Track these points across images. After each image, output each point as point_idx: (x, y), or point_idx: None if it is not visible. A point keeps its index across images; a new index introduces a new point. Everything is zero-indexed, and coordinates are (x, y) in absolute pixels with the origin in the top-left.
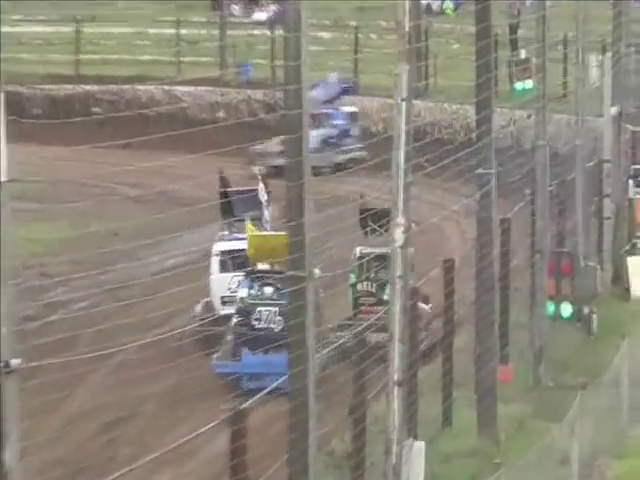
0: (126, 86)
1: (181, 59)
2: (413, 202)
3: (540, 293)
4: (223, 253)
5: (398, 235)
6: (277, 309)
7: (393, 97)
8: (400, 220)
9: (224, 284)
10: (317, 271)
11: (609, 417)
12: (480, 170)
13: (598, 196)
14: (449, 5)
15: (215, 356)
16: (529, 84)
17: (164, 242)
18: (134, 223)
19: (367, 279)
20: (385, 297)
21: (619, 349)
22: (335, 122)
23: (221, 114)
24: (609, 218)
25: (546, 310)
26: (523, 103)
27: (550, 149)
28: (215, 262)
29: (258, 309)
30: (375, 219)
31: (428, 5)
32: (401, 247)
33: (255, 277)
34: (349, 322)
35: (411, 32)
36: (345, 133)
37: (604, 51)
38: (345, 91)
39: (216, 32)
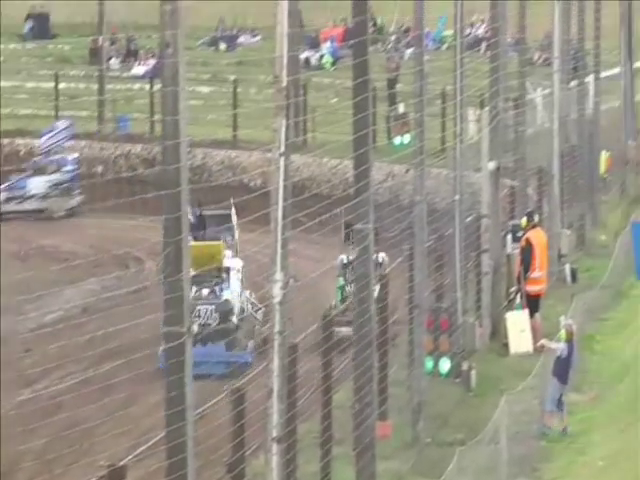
0: (5, 140)
1: (60, 113)
2: (292, 258)
3: (418, 349)
4: None
5: (276, 291)
6: (214, 307)
7: (272, 152)
8: (278, 276)
9: None
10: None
11: (487, 473)
12: (358, 225)
13: (476, 251)
14: (328, 59)
15: (160, 349)
16: (407, 138)
17: (42, 297)
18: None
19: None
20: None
21: (498, 405)
22: (65, 168)
23: (99, 168)
24: (487, 273)
25: (424, 366)
26: (401, 158)
27: (428, 204)
28: None
29: (197, 307)
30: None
31: (307, 59)
32: (280, 303)
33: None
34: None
35: (289, 86)
36: (75, 178)
37: (482, 106)
38: (72, 137)
39: (95, 86)
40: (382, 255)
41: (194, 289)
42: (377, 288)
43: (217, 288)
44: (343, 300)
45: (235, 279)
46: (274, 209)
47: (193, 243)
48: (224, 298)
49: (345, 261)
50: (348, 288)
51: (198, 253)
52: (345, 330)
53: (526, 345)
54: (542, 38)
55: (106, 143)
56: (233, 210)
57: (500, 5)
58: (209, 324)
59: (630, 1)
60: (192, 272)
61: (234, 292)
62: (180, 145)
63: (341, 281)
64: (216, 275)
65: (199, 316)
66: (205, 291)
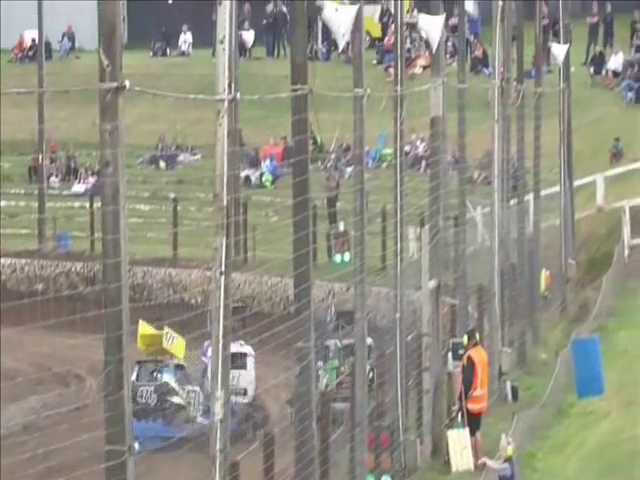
0: None
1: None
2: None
3: (360, 467)
4: None
5: (217, 409)
6: (152, 388)
7: (212, 270)
8: (219, 394)
9: None
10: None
11: None
12: (299, 344)
13: (417, 369)
14: (268, 177)
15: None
16: (347, 257)
17: None
18: None
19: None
20: None
21: None
22: None
23: (40, 286)
24: (428, 391)
25: None
26: (342, 276)
27: (369, 322)
28: None
29: (140, 388)
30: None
31: (247, 177)
32: (221, 421)
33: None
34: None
35: (229, 205)
36: None
37: (422, 224)
38: None
39: (35, 204)
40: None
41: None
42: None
43: (157, 372)
44: (337, 378)
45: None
46: (215, 327)
47: (146, 332)
48: (163, 380)
49: (339, 345)
50: (342, 369)
51: (150, 342)
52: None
53: (467, 463)
54: (482, 156)
55: (46, 261)
56: None
57: (440, 124)
58: (149, 403)
59: (569, 120)
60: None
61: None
62: (121, 263)
63: (335, 363)
64: (157, 360)
65: (141, 396)
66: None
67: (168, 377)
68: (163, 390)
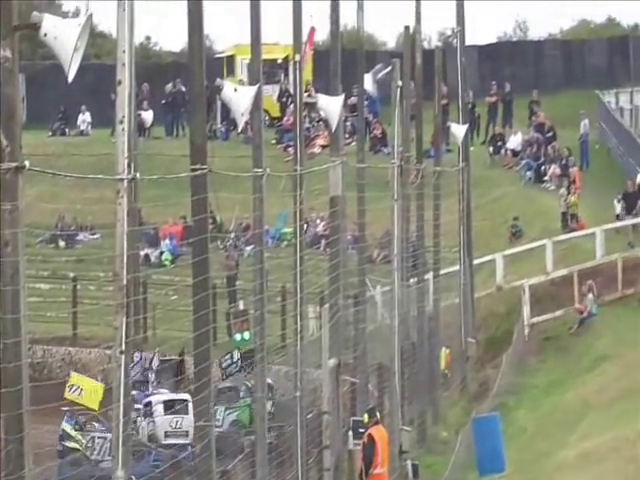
0: None
1: None
2: None
3: None
4: None
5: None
6: None
7: (112, 349)
8: (119, 474)
9: None
10: None
11: None
12: (200, 423)
13: (318, 447)
14: (167, 256)
15: None
16: (247, 335)
17: None
18: None
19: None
20: None
21: None
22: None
23: None
24: (329, 470)
25: None
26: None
27: (270, 400)
28: None
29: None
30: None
31: (146, 256)
32: None
33: None
34: None
35: (129, 284)
36: None
37: (322, 303)
38: None
39: None
40: None
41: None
42: None
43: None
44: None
45: None
46: (116, 406)
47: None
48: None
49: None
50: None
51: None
52: None
53: None
54: (381, 235)
55: None
56: None
57: (339, 203)
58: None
59: (468, 199)
60: None
61: None
62: (21, 342)
63: (248, 401)
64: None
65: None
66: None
67: (66, 425)
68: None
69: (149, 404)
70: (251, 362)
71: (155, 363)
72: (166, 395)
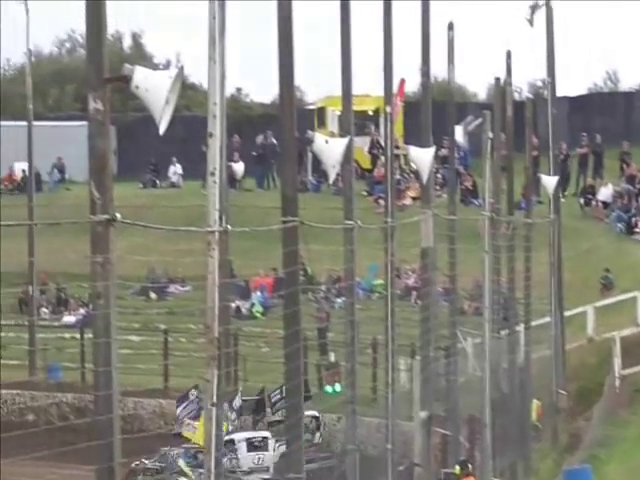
0: None
1: None
2: None
3: None
4: None
5: None
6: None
7: (204, 401)
8: None
9: None
10: None
11: None
12: (290, 475)
13: None
14: (258, 308)
15: None
16: (338, 387)
17: None
18: None
19: None
20: None
21: None
22: None
23: (30, 417)
24: None
25: None
26: (333, 406)
27: (360, 452)
28: None
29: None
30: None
31: (238, 308)
32: None
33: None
34: None
35: (221, 336)
36: None
37: (413, 354)
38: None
39: (25, 335)
40: None
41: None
42: None
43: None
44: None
45: None
46: (206, 459)
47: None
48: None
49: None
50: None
51: None
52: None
53: None
54: (472, 287)
55: (37, 392)
56: None
57: (430, 255)
58: None
59: (559, 251)
60: None
61: None
62: (112, 395)
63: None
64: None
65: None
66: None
67: (181, 461)
68: (173, 470)
69: (232, 441)
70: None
71: (237, 402)
72: (248, 433)
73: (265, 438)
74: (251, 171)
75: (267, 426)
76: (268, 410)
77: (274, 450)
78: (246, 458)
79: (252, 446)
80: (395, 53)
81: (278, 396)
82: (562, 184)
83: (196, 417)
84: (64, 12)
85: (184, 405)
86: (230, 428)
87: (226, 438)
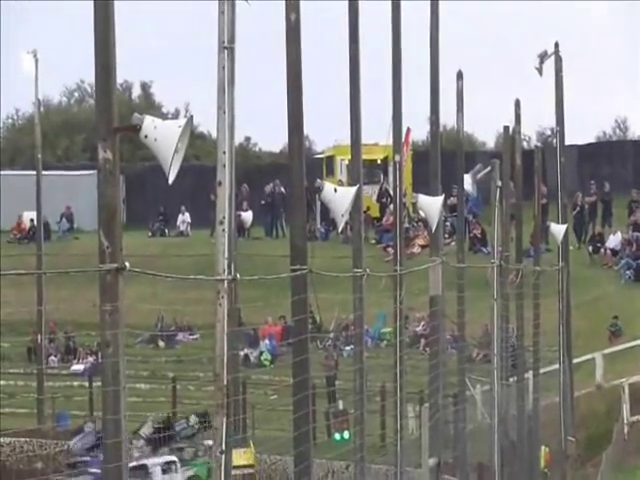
0: None
1: None
2: None
3: None
4: None
5: None
6: None
7: (212, 448)
8: None
9: None
10: None
11: None
12: None
13: None
14: (267, 357)
15: None
16: (347, 435)
17: None
18: None
19: None
20: None
21: None
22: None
23: (39, 465)
24: None
25: None
26: (342, 454)
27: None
28: None
29: None
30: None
31: (246, 356)
32: None
33: None
34: None
35: (229, 384)
36: None
37: (422, 402)
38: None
39: (34, 383)
40: None
41: None
42: None
43: None
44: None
45: None
46: None
47: None
48: None
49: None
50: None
51: None
52: None
53: None
54: (481, 335)
55: (46, 440)
56: None
57: (439, 303)
58: None
59: (568, 298)
60: None
61: None
62: (121, 443)
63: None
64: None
65: None
66: None
67: None
68: None
69: (145, 466)
70: (208, 424)
71: (147, 430)
72: (158, 458)
73: (174, 462)
74: (260, 220)
75: (172, 452)
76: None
77: (182, 473)
78: None
79: (164, 470)
80: (404, 101)
81: (184, 424)
82: (579, 233)
83: (91, 448)
84: (73, 62)
85: (79, 437)
86: (137, 454)
87: (138, 463)
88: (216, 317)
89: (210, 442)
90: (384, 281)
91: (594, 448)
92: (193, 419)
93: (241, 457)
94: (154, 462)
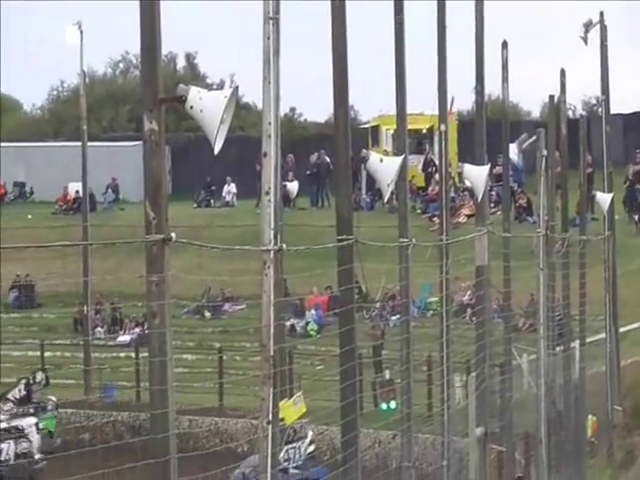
0: None
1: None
2: None
3: None
4: None
5: None
6: None
7: (259, 420)
8: None
9: None
10: None
11: None
12: None
13: None
14: (313, 327)
15: None
16: (393, 405)
17: None
18: None
19: None
20: None
21: None
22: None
23: (86, 436)
24: None
25: None
26: (388, 424)
27: (416, 470)
28: None
29: None
30: None
31: (292, 326)
32: None
33: None
34: None
35: (276, 354)
36: None
37: (468, 372)
38: None
39: (80, 354)
40: None
41: None
42: None
43: None
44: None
45: None
46: (263, 477)
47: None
48: None
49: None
50: None
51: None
52: None
53: None
54: (527, 304)
55: (92, 411)
56: None
57: (485, 273)
58: None
59: (614, 267)
60: None
61: None
62: (168, 414)
63: None
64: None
65: None
66: None
67: None
68: None
69: (20, 428)
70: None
71: (17, 394)
72: (28, 419)
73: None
74: (305, 190)
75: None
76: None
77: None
78: (38, 441)
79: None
80: (449, 71)
81: (32, 382)
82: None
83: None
84: (118, 33)
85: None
86: (5, 417)
87: (9, 425)
88: (262, 288)
89: (54, 398)
90: (430, 251)
91: None
92: (39, 375)
93: (293, 411)
94: (27, 423)
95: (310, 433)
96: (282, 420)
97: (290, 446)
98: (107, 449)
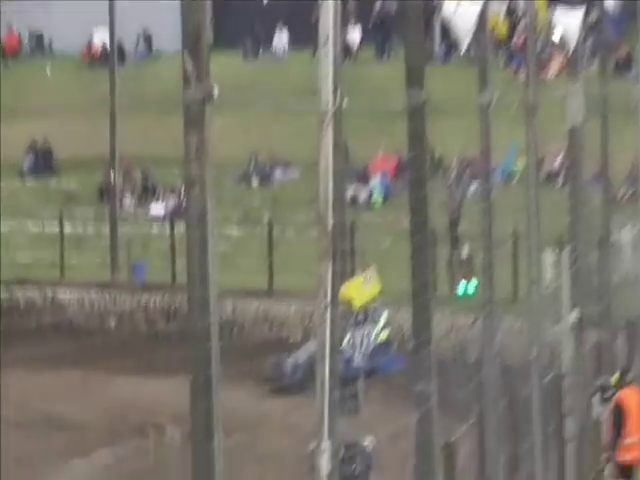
0: (4, 294)
1: (65, 260)
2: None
3: None
4: None
5: (324, 463)
6: None
7: (315, 302)
8: (325, 445)
9: None
10: None
11: None
12: (419, 386)
13: (557, 415)
14: (378, 197)
15: None
16: (472, 286)
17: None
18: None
19: None
20: None
21: None
22: None
23: (112, 323)
24: (571, 441)
25: None
26: (466, 308)
27: (500, 361)
28: None
29: None
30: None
31: (354, 197)
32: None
33: None
34: None
35: (335, 228)
36: None
37: (560, 247)
38: None
39: (106, 228)
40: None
41: None
42: None
43: None
44: None
45: None
46: (320, 368)
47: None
48: None
49: None
50: None
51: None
52: None
53: None
54: (627, 171)
55: (120, 294)
56: None
57: (578, 135)
58: None
59: None
60: None
61: None
62: (209, 297)
63: None
64: None
65: None
66: None
67: None
68: None
69: None
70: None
71: None
72: None
73: None
74: (369, 40)
75: None
76: None
77: None
78: None
79: None
80: None
81: None
82: None
83: None
84: None
85: None
86: None
87: None
88: (319, 152)
89: None
90: (515, 109)
91: None
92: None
93: (364, 290)
94: None
95: (384, 316)
96: (350, 302)
97: (358, 331)
98: (136, 338)
